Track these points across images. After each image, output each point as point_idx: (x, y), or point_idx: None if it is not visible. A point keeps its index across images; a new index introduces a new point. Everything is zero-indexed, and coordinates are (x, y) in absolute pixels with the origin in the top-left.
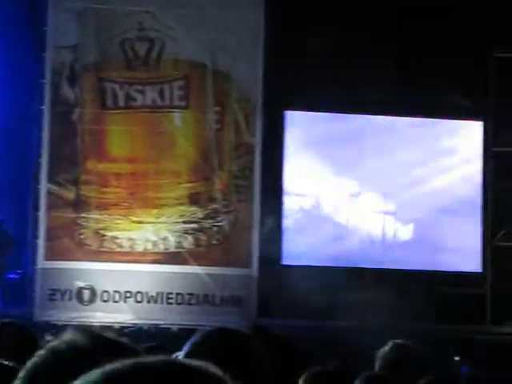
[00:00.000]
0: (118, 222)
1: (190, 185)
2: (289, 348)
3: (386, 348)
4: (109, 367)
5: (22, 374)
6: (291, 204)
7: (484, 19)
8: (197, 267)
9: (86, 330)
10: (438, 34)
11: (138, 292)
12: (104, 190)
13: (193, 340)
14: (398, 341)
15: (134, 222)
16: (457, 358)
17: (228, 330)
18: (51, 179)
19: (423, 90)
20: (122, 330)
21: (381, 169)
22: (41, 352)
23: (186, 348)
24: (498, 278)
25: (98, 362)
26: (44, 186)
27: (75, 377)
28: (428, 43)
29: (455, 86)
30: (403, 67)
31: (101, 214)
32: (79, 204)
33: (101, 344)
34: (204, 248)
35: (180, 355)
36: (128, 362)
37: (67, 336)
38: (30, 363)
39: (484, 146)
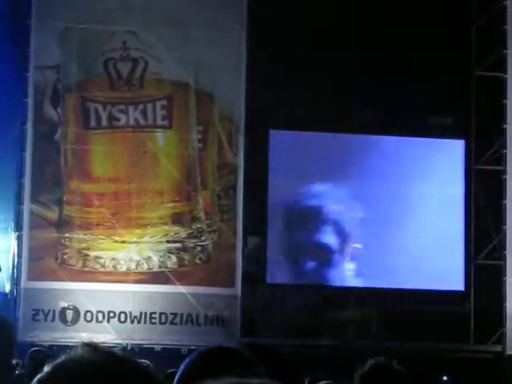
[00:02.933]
0: (101, 241)
1: (173, 204)
2: (282, 365)
3: (366, 366)
4: None
5: None
6: (275, 223)
7: (465, 38)
8: (180, 287)
9: (96, 347)
10: (420, 53)
11: (122, 312)
12: (87, 209)
13: (190, 359)
14: (379, 359)
15: (117, 241)
16: (445, 378)
17: (226, 349)
18: (34, 199)
19: (406, 110)
20: None
21: (366, 188)
22: (48, 369)
23: (182, 368)
24: (481, 296)
25: (110, 380)
26: (27, 205)
27: None
28: (411, 63)
29: (437, 106)
30: (387, 88)
31: (84, 234)
32: (62, 224)
33: (112, 362)
34: (187, 267)
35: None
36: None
37: (77, 352)
38: (36, 380)
39: (466, 164)
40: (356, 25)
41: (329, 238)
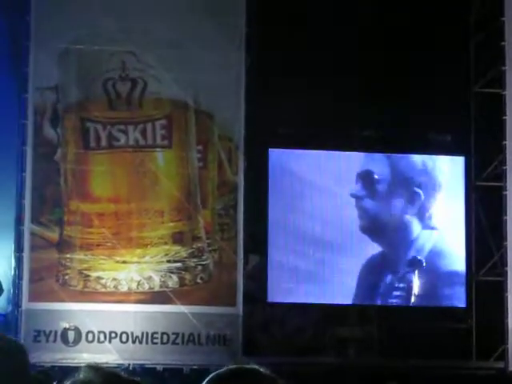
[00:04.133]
0: (102, 262)
1: (173, 224)
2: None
3: None
4: None
5: None
6: (276, 241)
7: (464, 55)
8: (182, 306)
9: (99, 368)
10: (419, 69)
11: (123, 332)
12: (88, 230)
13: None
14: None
15: (118, 261)
16: None
17: (242, 370)
18: (34, 220)
19: (405, 127)
20: None
21: (366, 206)
22: None
23: None
24: (483, 312)
25: None
26: (27, 226)
27: None
28: (409, 79)
29: (437, 122)
30: (385, 104)
31: (85, 255)
32: (63, 244)
33: (115, 382)
34: (189, 287)
35: None
36: None
37: (81, 375)
38: None
39: (466, 180)
40: (355, 44)
41: (329, 255)
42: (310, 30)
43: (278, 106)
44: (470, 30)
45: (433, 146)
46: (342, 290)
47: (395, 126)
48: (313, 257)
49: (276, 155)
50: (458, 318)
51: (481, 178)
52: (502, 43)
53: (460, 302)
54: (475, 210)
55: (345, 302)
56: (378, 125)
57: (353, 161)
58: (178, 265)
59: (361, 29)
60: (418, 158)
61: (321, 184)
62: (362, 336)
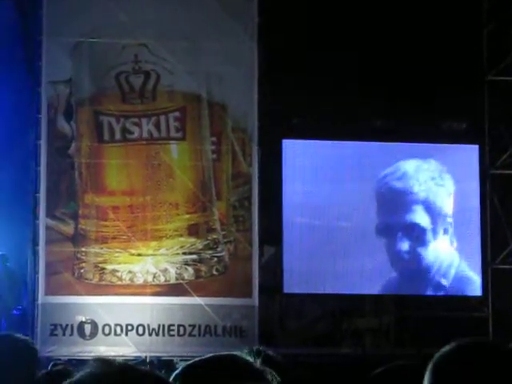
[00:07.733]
0: (118, 255)
1: (188, 216)
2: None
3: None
4: None
5: None
6: (291, 232)
7: (477, 43)
8: (198, 298)
9: (109, 360)
10: (432, 58)
11: (140, 325)
12: (103, 223)
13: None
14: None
15: (133, 254)
16: None
17: (235, 356)
18: (50, 214)
19: (419, 116)
20: None
21: (380, 195)
22: None
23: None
24: (499, 300)
25: None
26: (43, 220)
27: None
28: (422, 68)
29: (450, 111)
30: (399, 94)
31: (100, 248)
32: (78, 238)
33: (126, 373)
34: (204, 279)
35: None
36: None
37: (92, 367)
38: None
39: (480, 169)
40: (368, 32)
41: (344, 245)
42: (323, 19)
43: (291, 97)
44: (482, 18)
45: (447, 135)
46: (356, 280)
47: (409, 115)
48: (328, 247)
49: (290, 146)
50: (474, 306)
51: (495, 166)
52: None
53: (476, 290)
54: (490, 198)
55: (360, 292)
56: (392, 114)
57: (367, 151)
58: (194, 257)
59: (374, 19)
60: None
61: (334, 174)
62: (379, 326)
